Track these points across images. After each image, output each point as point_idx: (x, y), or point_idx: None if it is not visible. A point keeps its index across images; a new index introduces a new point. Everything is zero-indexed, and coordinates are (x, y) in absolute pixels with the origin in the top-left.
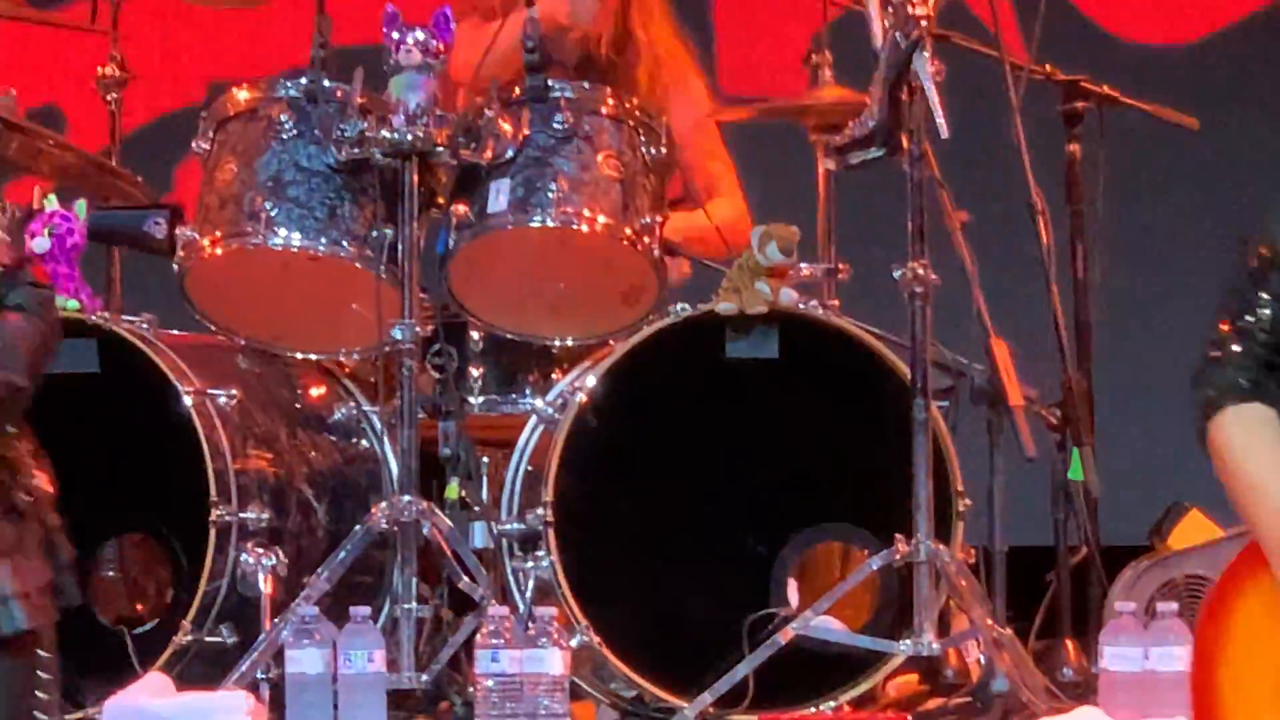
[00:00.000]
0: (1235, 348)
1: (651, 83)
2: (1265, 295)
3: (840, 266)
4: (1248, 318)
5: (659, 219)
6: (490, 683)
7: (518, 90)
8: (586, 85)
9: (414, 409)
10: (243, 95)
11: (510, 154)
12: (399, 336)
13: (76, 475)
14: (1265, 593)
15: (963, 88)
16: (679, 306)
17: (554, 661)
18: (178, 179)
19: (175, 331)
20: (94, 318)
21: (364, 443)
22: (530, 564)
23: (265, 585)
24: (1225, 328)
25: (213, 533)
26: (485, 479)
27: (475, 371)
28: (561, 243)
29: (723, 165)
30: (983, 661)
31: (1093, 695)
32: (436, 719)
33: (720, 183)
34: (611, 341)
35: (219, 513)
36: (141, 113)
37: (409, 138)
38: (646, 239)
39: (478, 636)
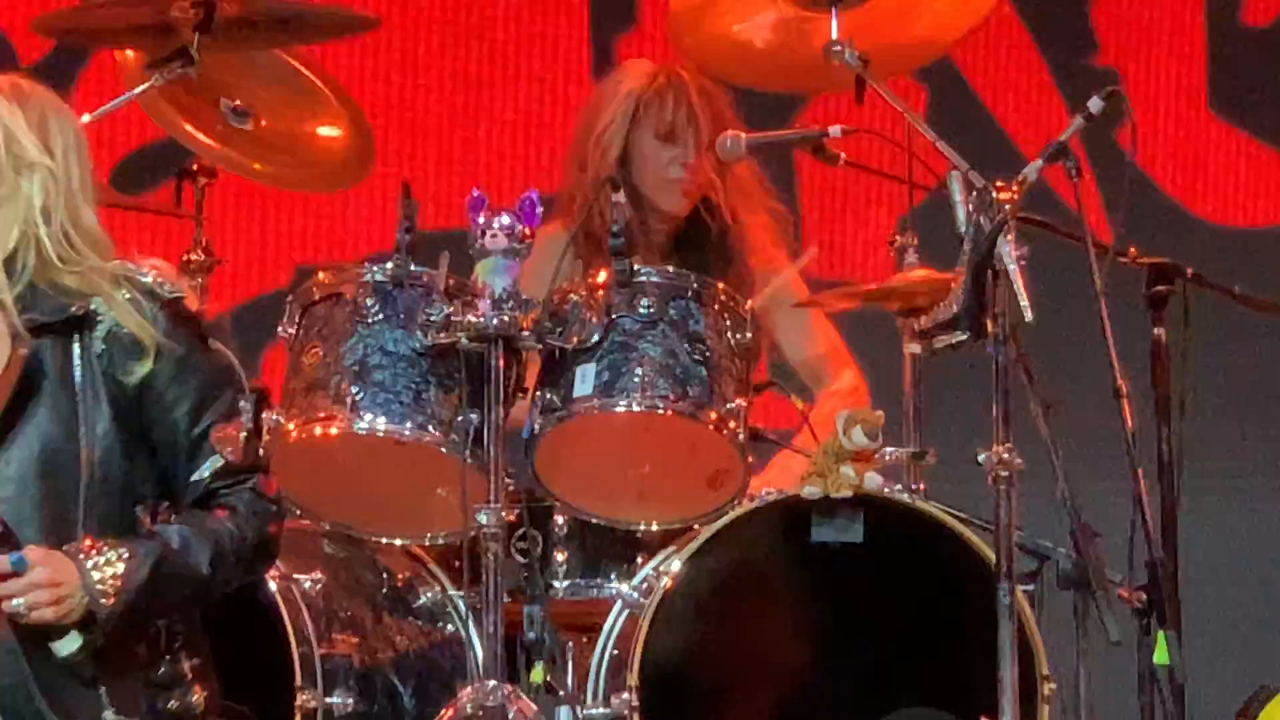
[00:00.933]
0: None
1: (742, 264)
2: None
3: (926, 450)
4: None
5: (744, 403)
6: None
7: (604, 275)
8: (672, 270)
9: (499, 593)
10: (328, 279)
11: (596, 338)
12: (484, 521)
13: None
14: None
15: (1047, 271)
16: (764, 491)
17: None
18: (265, 363)
19: None
20: None
21: (449, 627)
22: None
23: None
24: None
25: (299, 718)
26: (570, 663)
27: (560, 556)
28: (646, 427)
29: (835, 338)
30: None
31: None
32: None
33: (835, 355)
34: (696, 526)
35: (305, 698)
36: (228, 297)
37: (494, 322)
38: (732, 423)
39: None
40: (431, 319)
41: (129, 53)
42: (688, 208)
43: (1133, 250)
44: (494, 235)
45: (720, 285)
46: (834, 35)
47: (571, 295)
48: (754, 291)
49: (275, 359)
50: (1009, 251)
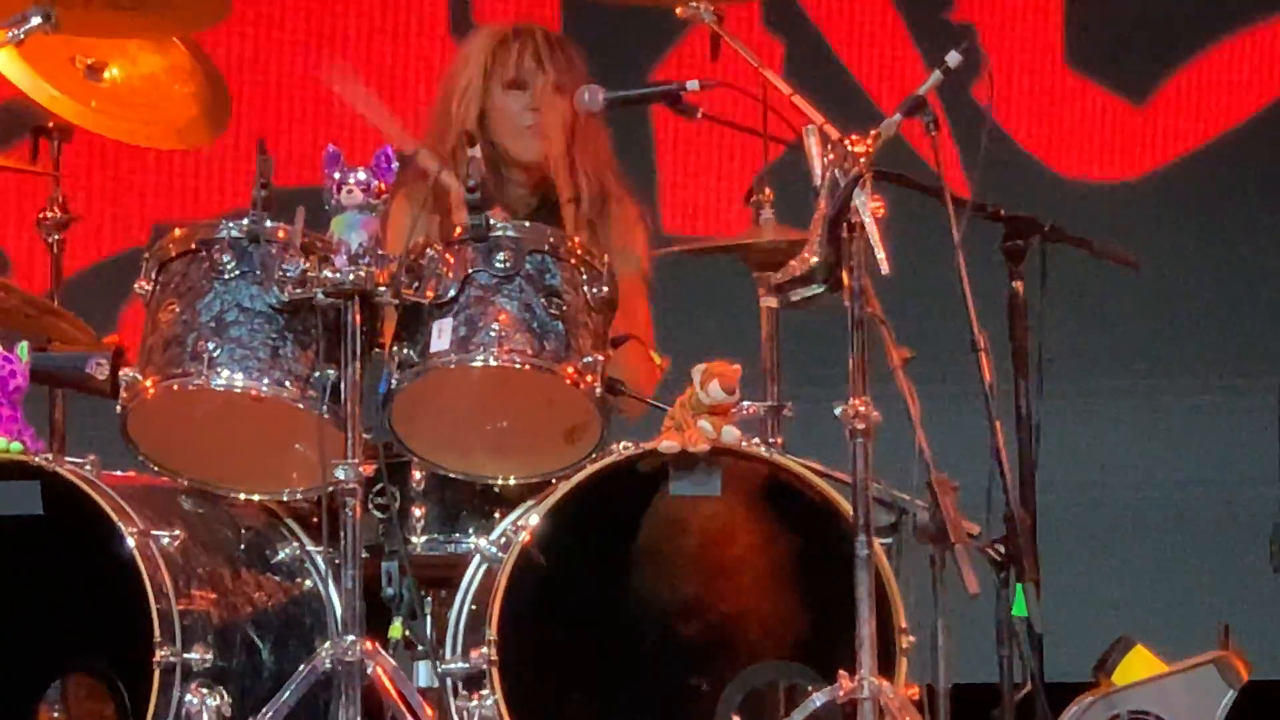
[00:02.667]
0: None
1: (598, 222)
2: None
3: (783, 404)
4: None
5: (601, 357)
6: None
7: (459, 229)
8: (528, 224)
9: (357, 549)
10: (184, 236)
11: (452, 293)
12: (342, 476)
13: (20, 617)
14: None
15: (904, 224)
16: (621, 445)
17: None
18: (123, 320)
19: (118, 473)
20: (37, 459)
21: (308, 583)
22: (474, 703)
23: None
24: None
25: (157, 673)
26: (429, 618)
27: (418, 511)
28: (503, 382)
29: (644, 320)
30: None
31: None
32: None
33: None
34: (554, 480)
35: (163, 653)
36: (85, 255)
37: (351, 277)
38: (589, 377)
39: None
40: (288, 274)
41: None
42: (542, 153)
43: (990, 204)
44: (350, 191)
45: (577, 239)
46: None
47: (428, 250)
48: (612, 247)
49: (133, 317)
50: (865, 204)
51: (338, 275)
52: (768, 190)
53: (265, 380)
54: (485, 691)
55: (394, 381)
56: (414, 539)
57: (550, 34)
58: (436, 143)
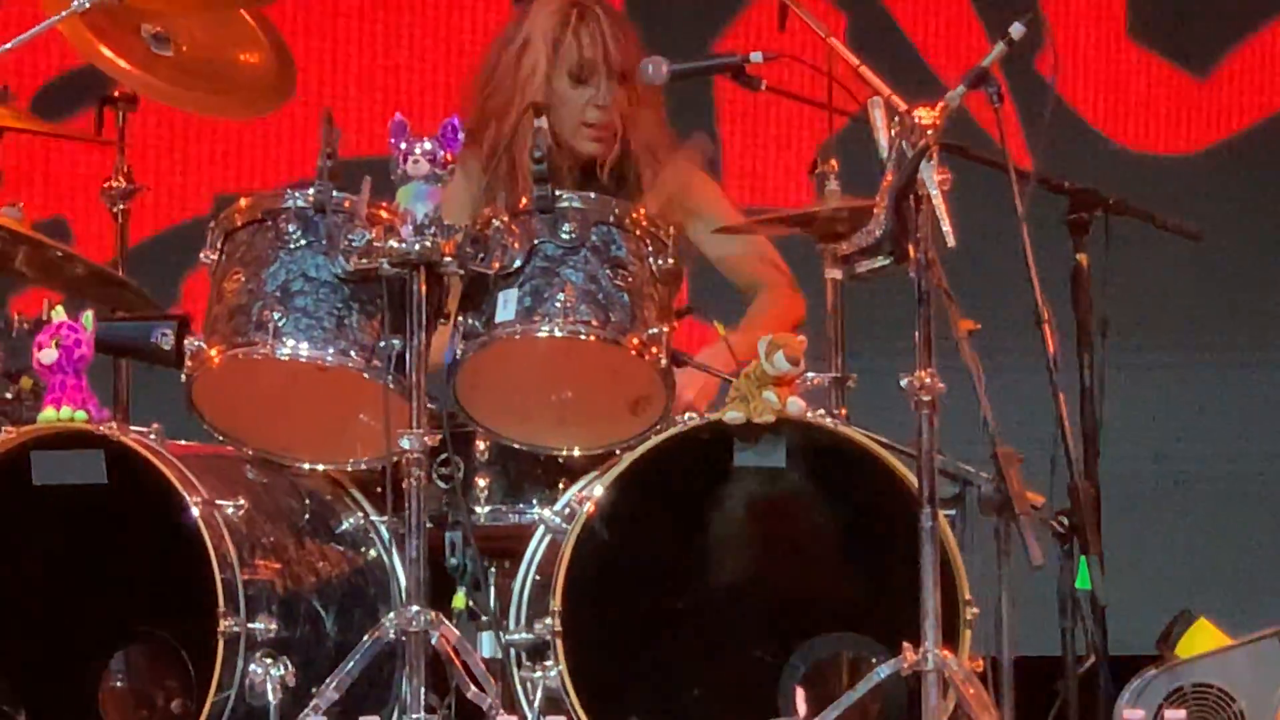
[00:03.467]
0: None
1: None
2: None
3: (847, 375)
4: None
5: (666, 329)
6: None
7: (525, 200)
8: (594, 195)
9: (421, 519)
10: (250, 206)
11: (517, 264)
12: (406, 446)
13: (84, 586)
14: None
15: (969, 197)
16: (686, 416)
17: None
18: (185, 290)
19: (183, 442)
20: (101, 428)
21: (372, 553)
22: (538, 674)
23: (274, 695)
24: None
25: (221, 643)
26: (493, 589)
27: (482, 481)
28: (568, 352)
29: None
30: None
31: None
32: None
33: (763, 276)
34: (619, 451)
35: (227, 623)
36: (149, 224)
37: (416, 248)
38: (654, 349)
39: None
40: (353, 244)
41: None
42: (604, 153)
43: (1053, 176)
44: (416, 161)
45: (642, 210)
46: None
47: (494, 221)
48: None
49: (196, 286)
50: (932, 177)
51: (403, 245)
52: (833, 162)
53: (330, 350)
54: (549, 662)
55: (459, 351)
56: (478, 509)
57: (613, 13)
58: (495, 117)
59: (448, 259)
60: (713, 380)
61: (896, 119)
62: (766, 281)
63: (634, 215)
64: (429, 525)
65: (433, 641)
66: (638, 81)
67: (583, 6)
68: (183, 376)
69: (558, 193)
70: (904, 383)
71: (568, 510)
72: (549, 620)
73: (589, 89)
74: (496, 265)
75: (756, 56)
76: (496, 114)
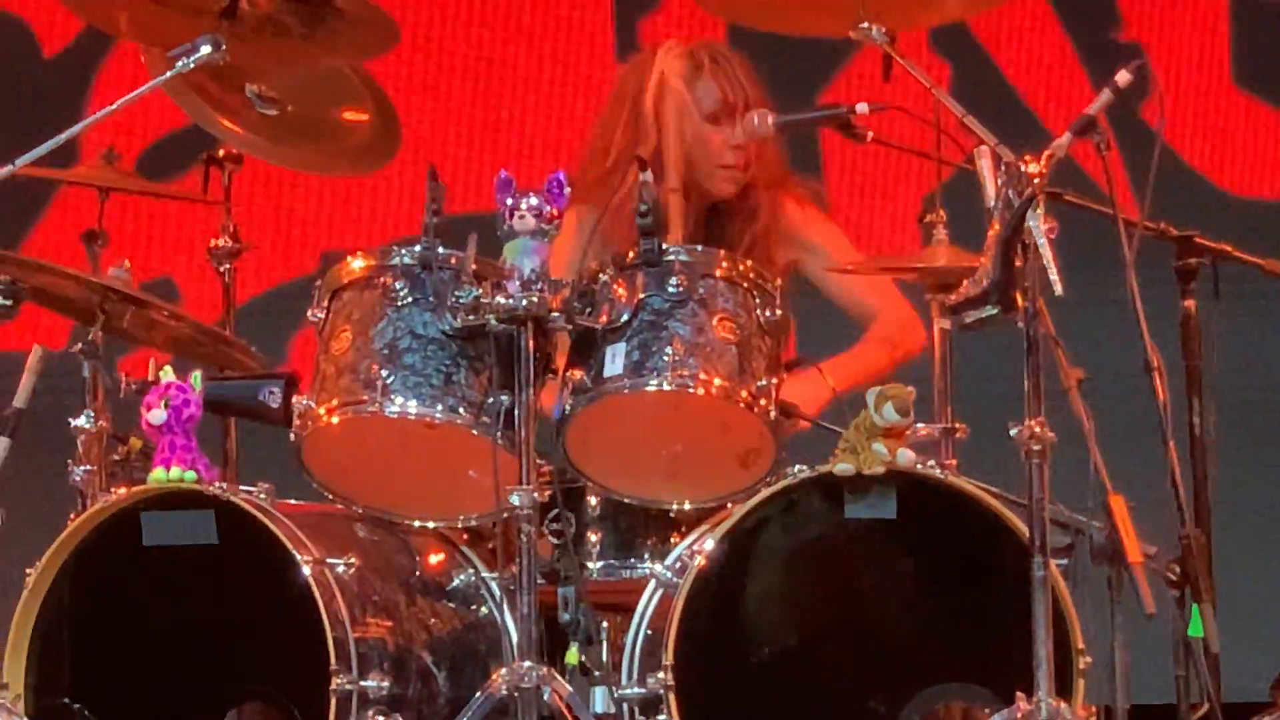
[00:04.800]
0: None
1: (771, 242)
2: None
3: (957, 426)
4: None
5: (775, 381)
6: None
7: (632, 254)
8: (700, 249)
9: (533, 575)
10: (357, 264)
11: (625, 318)
12: (517, 502)
13: (197, 647)
14: None
15: (1076, 245)
16: (796, 468)
17: None
18: (293, 349)
19: (293, 501)
20: (212, 489)
21: (483, 610)
22: None
23: None
24: None
25: (334, 701)
26: (605, 644)
27: (593, 536)
28: (677, 406)
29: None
30: None
31: None
32: None
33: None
34: (729, 504)
35: (339, 681)
36: (255, 283)
37: (524, 303)
38: (763, 401)
39: None
40: (460, 301)
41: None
42: (736, 192)
43: (1162, 224)
44: (522, 216)
45: (749, 263)
46: (860, 12)
47: (600, 275)
48: (779, 271)
49: (303, 345)
50: (1038, 225)
51: (511, 301)
52: (940, 211)
53: (439, 407)
54: (662, 717)
55: (568, 406)
56: (590, 564)
57: (738, 54)
58: (604, 151)
59: (555, 314)
60: (822, 391)
61: (1003, 168)
62: (880, 307)
63: (741, 267)
64: (540, 581)
65: (545, 697)
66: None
67: (713, 49)
68: (291, 435)
69: (664, 246)
70: (1014, 432)
71: (679, 564)
72: (661, 674)
73: (725, 130)
74: (604, 319)
75: (862, 108)
76: (606, 163)
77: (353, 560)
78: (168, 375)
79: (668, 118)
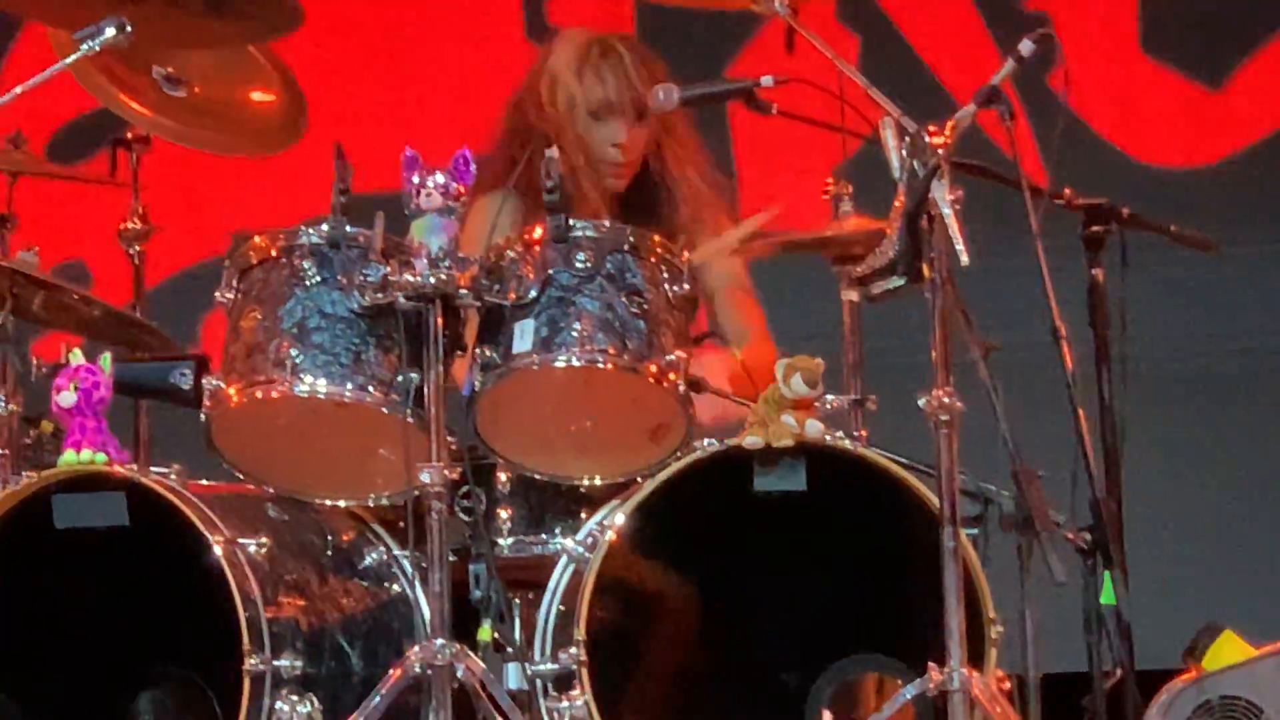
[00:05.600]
0: None
1: (684, 220)
2: None
3: (866, 397)
4: None
5: (684, 355)
6: None
7: (539, 231)
8: (607, 224)
9: (444, 552)
10: (265, 244)
11: (533, 294)
12: (427, 480)
13: (109, 628)
14: None
15: (983, 214)
16: (706, 441)
17: None
18: (203, 330)
19: (204, 481)
20: (122, 470)
21: (395, 587)
22: (565, 704)
23: None
24: None
25: (247, 681)
26: (518, 620)
27: (504, 513)
28: (587, 381)
29: (755, 310)
30: None
31: None
32: None
33: (752, 327)
34: (639, 479)
35: (253, 661)
36: (165, 265)
37: (432, 281)
38: (672, 375)
39: None
40: (369, 279)
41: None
42: (622, 187)
43: (1068, 191)
44: (429, 194)
45: (656, 238)
46: None
47: (508, 252)
48: (689, 245)
49: (214, 326)
50: (944, 196)
51: (419, 279)
52: (846, 184)
53: (349, 385)
54: (575, 692)
55: (477, 383)
56: (501, 541)
57: (636, 47)
58: (515, 150)
59: (463, 291)
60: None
61: (908, 139)
62: (752, 340)
63: (648, 242)
64: (452, 558)
65: (459, 674)
66: (655, 114)
67: (604, 43)
68: (202, 416)
69: (571, 222)
70: (922, 402)
71: (590, 539)
72: (574, 650)
73: (607, 126)
74: (512, 296)
75: (767, 80)
76: (515, 146)
77: (264, 540)
78: (78, 358)
79: (555, 110)
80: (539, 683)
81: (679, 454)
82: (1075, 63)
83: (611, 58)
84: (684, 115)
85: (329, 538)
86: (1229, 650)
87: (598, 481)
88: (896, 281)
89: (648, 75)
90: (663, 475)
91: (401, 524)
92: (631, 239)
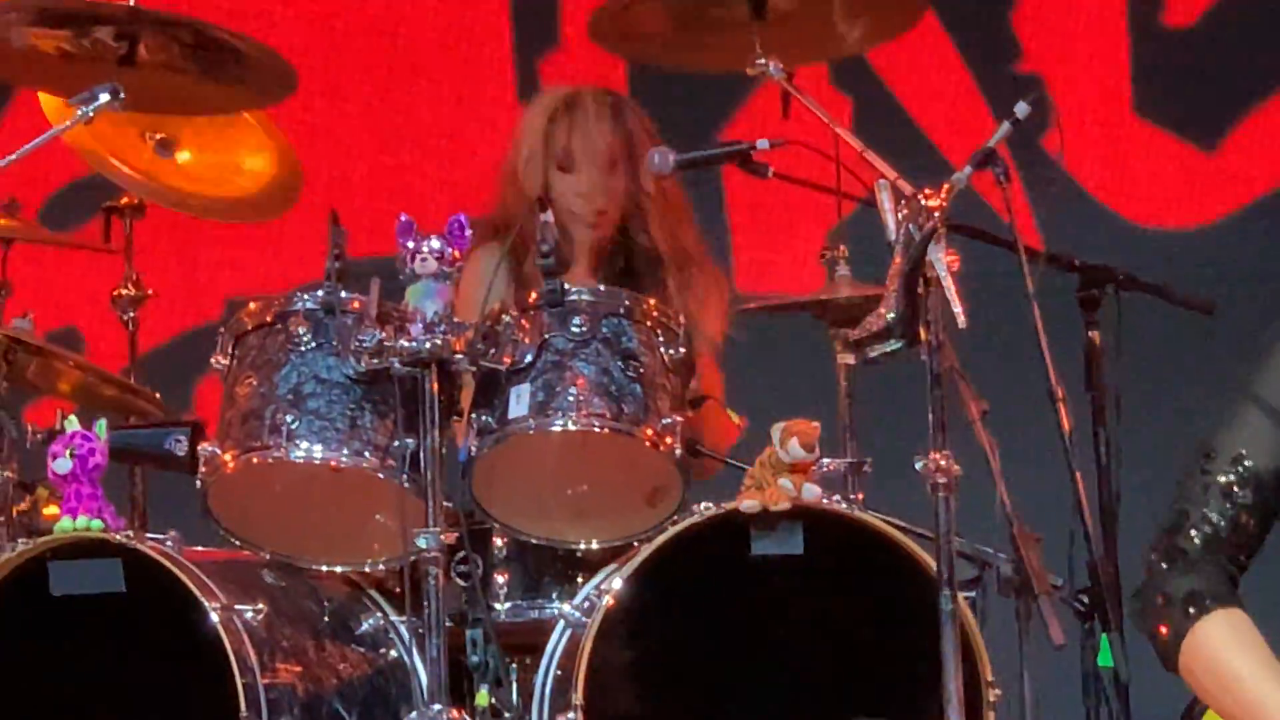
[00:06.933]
0: None
1: (675, 285)
2: None
3: (862, 460)
4: None
5: (680, 419)
6: None
7: (534, 295)
8: (603, 288)
9: (441, 618)
10: (259, 309)
11: (529, 359)
12: (424, 545)
13: (105, 695)
14: None
15: (979, 277)
16: (703, 506)
17: None
18: (198, 396)
19: (200, 548)
20: (118, 537)
21: (392, 653)
22: None
23: None
24: None
25: None
26: (515, 685)
27: (501, 577)
28: (583, 445)
29: (716, 378)
30: None
31: None
32: None
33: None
34: (636, 543)
35: None
36: (160, 331)
37: (427, 346)
38: (668, 439)
39: None
40: (364, 345)
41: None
42: (598, 239)
43: (1063, 254)
44: (424, 259)
45: (652, 301)
46: (757, 49)
47: (504, 316)
48: (692, 310)
49: (208, 392)
50: (940, 258)
51: (414, 344)
52: (842, 247)
53: (344, 451)
54: None
55: (473, 448)
56: (498, 606)
57: (608, 100)
58: (506, 212)
59: (459, 356)
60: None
61: (903, 202)
62: (713, 398)
63: (644, 306)
64: (449, 624)
65: None
66: (646, 175)
67: (572, 97)
68: (197, 483)
69: (566, 286)
70: (919, 465)
71: (587, 604)
72: (571, 714)
73: (571, 177)
74: (508, 360)
75: (763, 144)
76: (505, 209)
77: (261, 606)
78: (73, 424)
79: (520, 170)
80: None
81: (675, 518)
82: (1069, 126)
83: (577, 110)
84: (676, 178)
85: (325, 604)
86: None
87: (594, 545)
88: (893, 345)
89: (621, 126)
90: (659, 539)
91: (398, 589)
92: (627, 303)
